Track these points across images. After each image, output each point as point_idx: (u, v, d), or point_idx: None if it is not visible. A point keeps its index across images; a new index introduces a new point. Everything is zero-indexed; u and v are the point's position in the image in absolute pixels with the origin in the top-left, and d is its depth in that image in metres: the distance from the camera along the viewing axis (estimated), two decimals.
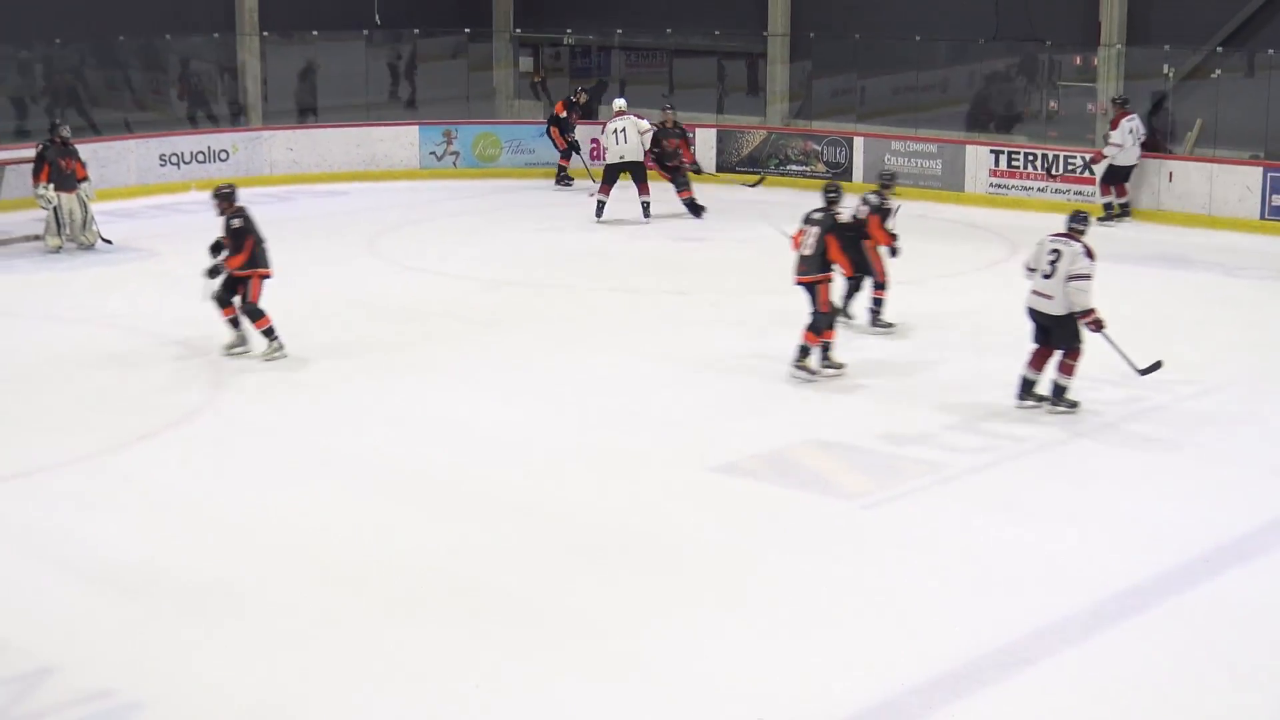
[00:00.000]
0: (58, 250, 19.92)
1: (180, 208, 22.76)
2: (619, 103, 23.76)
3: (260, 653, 8.96)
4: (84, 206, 20.07)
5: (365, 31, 29.02)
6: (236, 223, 14.56)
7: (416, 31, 29.95)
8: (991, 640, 9.11)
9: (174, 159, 25.22)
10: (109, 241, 20.21)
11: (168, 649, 8.99)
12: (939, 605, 9.67)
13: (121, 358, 15.44)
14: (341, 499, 11.49)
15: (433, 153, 27.07)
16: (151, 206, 21.46)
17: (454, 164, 27.11)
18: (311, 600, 9.66)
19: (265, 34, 28.20)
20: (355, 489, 11.69)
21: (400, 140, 27.02)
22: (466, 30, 30.37)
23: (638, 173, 22.64)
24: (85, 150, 21.22)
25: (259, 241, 14.80)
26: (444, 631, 9.23)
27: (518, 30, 31.16)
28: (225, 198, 14.84)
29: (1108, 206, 22.66)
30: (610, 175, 22.73)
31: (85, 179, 20.19)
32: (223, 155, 25.60)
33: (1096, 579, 9.95)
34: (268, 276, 14.73)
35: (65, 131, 20.16)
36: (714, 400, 14.01)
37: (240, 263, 14.58)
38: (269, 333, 14.77)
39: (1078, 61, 25.78)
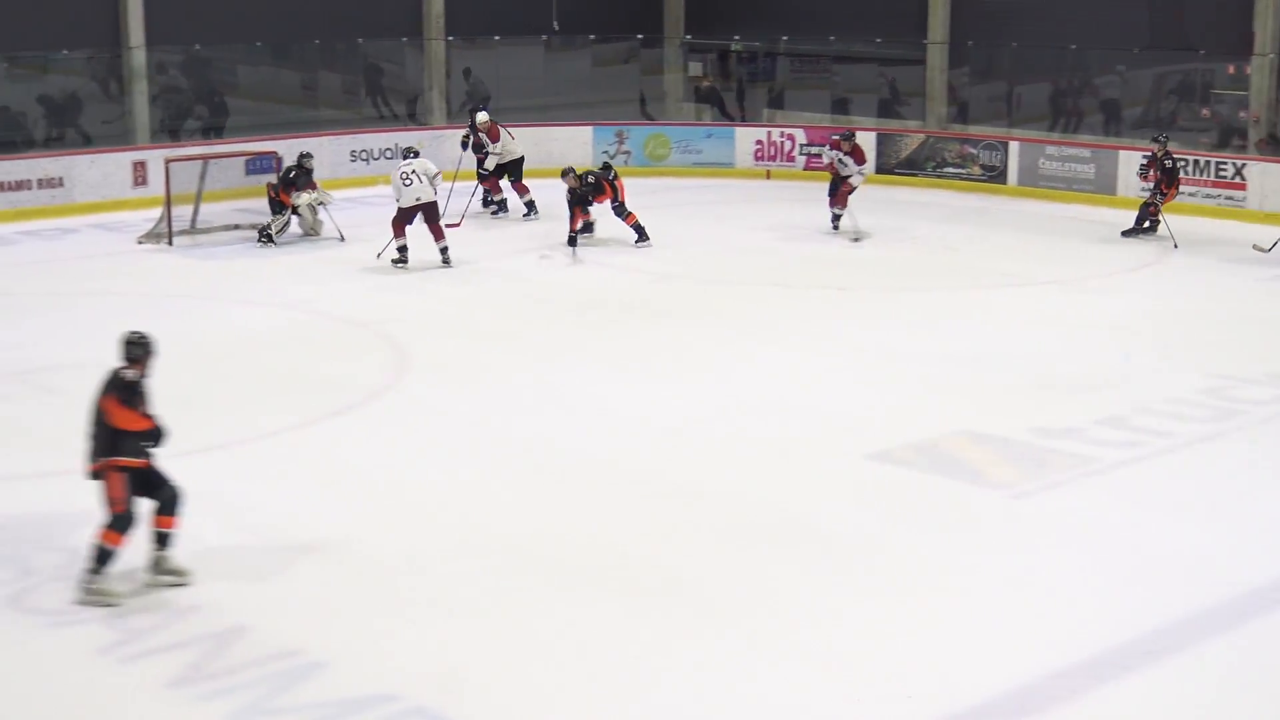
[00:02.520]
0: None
1: (367, 201, 23.06)
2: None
3: (437, 621, 9.10)
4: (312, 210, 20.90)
5: (544, 37, 29.22)
6: None
7: (592, 37, 30.12)
8: (1136, 629, 9.00)
9: (363, 155, 25.63)
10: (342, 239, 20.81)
11: (352, 614, 9.17)
12: (1085, 594, 9.56)
13: (311, 340, 15.78)
14: (516, 479, 11.61)
15: (605, 151, 27.13)
16: (342, 199, 21.76)
17: (625, 162, 27.14)
18: (487, 574, 9.79)
19: (450, 39, 28.53)
20: (529, 471, 11.80)
21: (575, 140, 27.13)
22: (639, 36, 30.51)
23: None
24: (280, 146, 21.86)
25: None
26: (609, 608, 9.30)
27: (688, 36, 31.14)
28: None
29: None
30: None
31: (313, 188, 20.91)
32: (411, 152, 25.88)
33: (1242, 573, 9.79)
34: None
35: (309, 163, 20.88)
36: (870, 391, 13.97)
37: None
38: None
39: (1231, 71, 25.21)
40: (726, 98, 30.22)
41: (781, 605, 9.39)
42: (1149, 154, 21.52)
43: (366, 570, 9.84)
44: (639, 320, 16.67)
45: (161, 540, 9.39)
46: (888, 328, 16.18)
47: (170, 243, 20.36)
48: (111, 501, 9.14)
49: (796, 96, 29.84)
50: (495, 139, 22.88)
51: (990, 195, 25.14)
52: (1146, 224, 21.22)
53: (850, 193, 21.45)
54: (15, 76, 24.78)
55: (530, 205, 22.90)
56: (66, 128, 24.88)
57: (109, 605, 9.02)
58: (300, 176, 20.63)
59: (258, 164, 22.22)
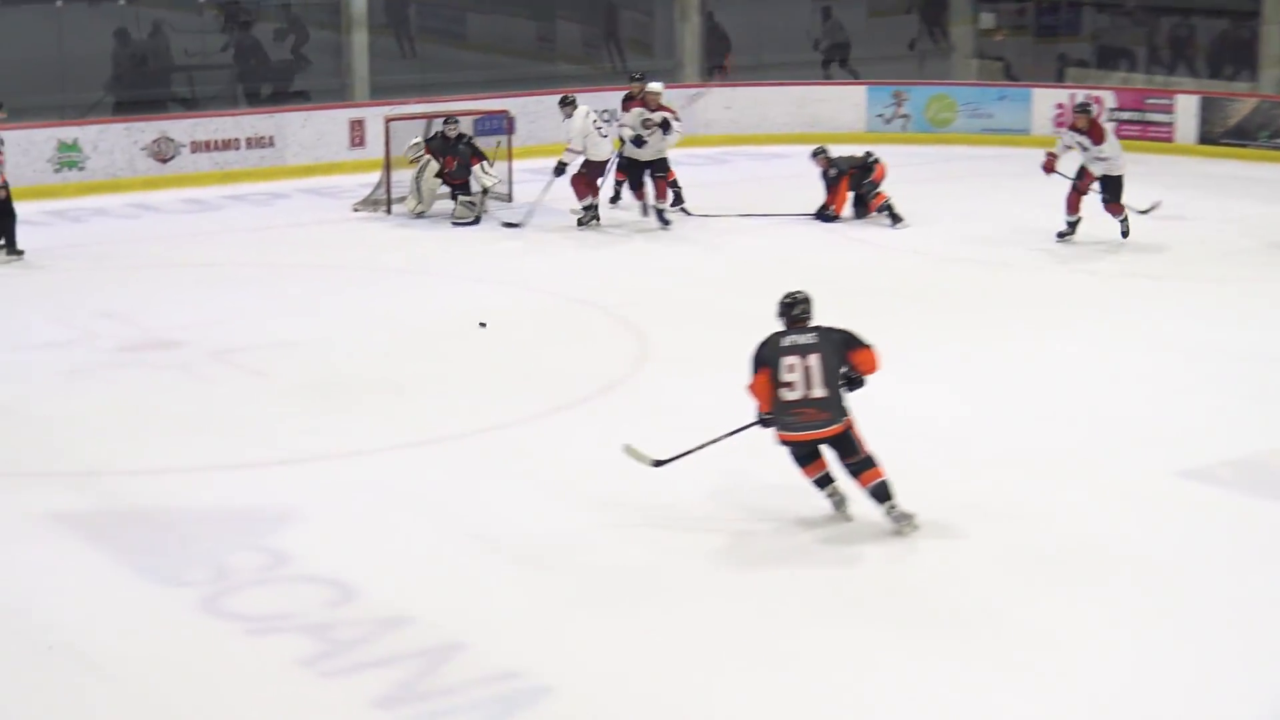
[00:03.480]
0: (419, 215, 20.62)
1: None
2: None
3: (675, 643, 9.09)
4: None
5: None
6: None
7: None
8: None
9: (608, 115, 25.75)
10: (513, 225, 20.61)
11: (581, 632, 9.19)
12: None
13: (540, 323, 15.91)
14: (765, 486, 11.56)
15: (880, 115, 27.00)
16: (524, 169, 21.95)
17: (903, 128, 26.98)
18: (732, 592, 9.76)
19: None
20: (782, 476, 11.74)
21: (845, 101, 27.03)
22: None
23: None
24: (513, 105, 22.21)
25: None
26: (862, 630, 9.21)
27: None
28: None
29: None
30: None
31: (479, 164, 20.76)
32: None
33: None
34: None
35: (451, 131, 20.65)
36: (1183, 396, 13.62)
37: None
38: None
39: None
40: (1024, 54, 29.80)
41: (1066, 637, 9.16)
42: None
43: (594, 584, 9.88)
44: (916, 308, 16.43)
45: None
46: (1205, 323, 15.76)
47: (389, 211, 20.72)
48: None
49: (1106, 53, 29.25)
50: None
51: None
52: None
53: (1089, 188, 19.57)
54: (228, 27, 25.51)
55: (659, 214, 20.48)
56: (277, 81, 25.49)
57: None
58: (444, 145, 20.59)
59: (487, 124, 22.36)
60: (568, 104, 20.50)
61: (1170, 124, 26.09)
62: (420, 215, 20.09)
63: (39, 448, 12.15)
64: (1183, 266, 18.50)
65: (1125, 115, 26.11)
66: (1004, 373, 14.26)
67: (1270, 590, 9.86)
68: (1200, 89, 26.80)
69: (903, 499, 10.37)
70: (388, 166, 21.06)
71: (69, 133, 22.15)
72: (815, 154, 20.78)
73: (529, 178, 21.43)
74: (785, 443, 10.51)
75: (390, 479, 11.55)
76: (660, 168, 19.90)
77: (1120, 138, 23.82)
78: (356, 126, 23.67)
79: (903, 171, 23.19)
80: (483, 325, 11.37)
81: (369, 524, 10.66)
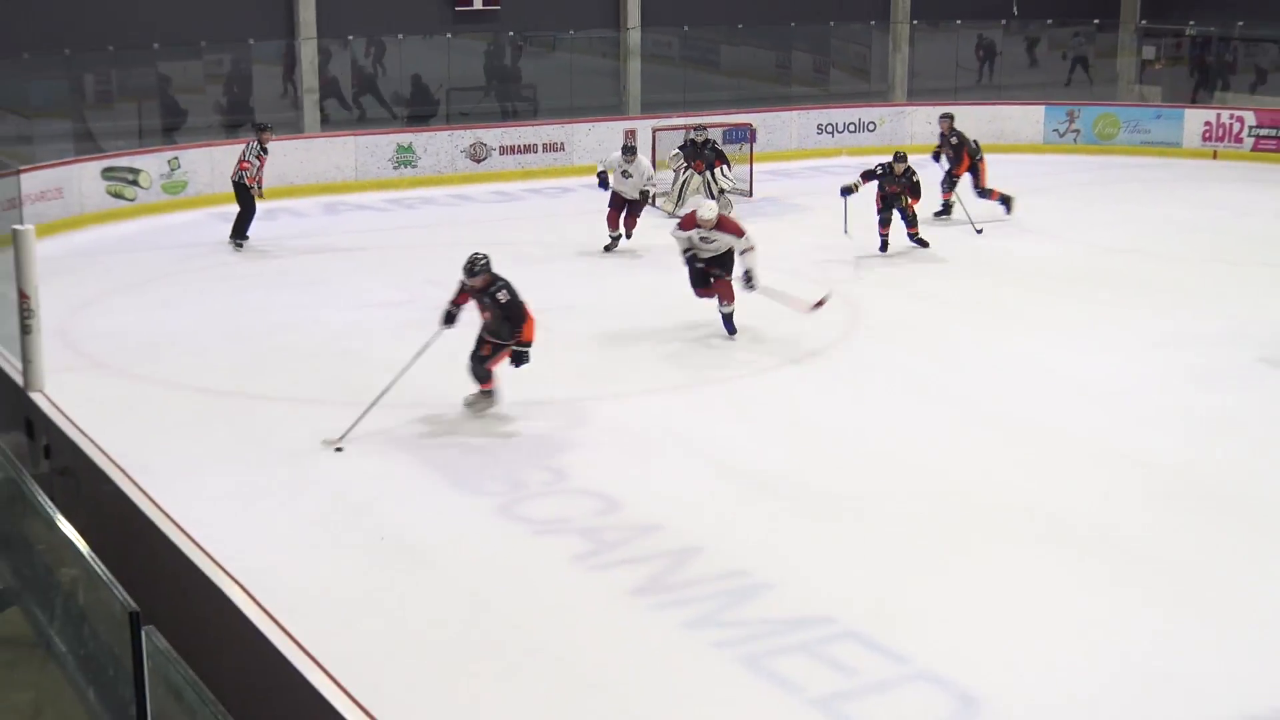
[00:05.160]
0: (671, 215, 20.20)
1: (830, 169, 23.11)
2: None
3: (873, 554, 9.17)
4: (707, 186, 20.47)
5: (1004, 21, 28.71)
6: (503, 296, 11.21)
7: (1049, 21, 29.40)
8: None
9: (829, 128, 25.73)
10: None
11: (797, 542, 9.33)
12: None
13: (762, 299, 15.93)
14: (956, 432, 11.52)
15: (1056, 130, 26.50)
16: (808, 168, 21.96)
17: (1074, 140, 26.45)
18: (922, 515, 9.79)
19: (915, 22, 28.35)
20: (969, 425, 11.69)
21: (1027, 118, 26.56)
22: (1096, 21, 29.63)
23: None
24: (755, 119, 22.11)
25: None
26: (1038, 558, 9.17)
27: (1143, 21, 30.05)
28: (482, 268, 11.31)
29: None
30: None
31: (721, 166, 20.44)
32: (870, 126, 25.93)
33: None
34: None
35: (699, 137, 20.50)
36: None
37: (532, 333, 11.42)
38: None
39: None
40: (1179, 81, 28.95)
41: (1216, 573, 9.00)
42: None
43: (811, 504, 9.98)
44: (1083, 290, 16.13)
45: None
46: None
47: (654, 204, 20.86)
48: None
49: (1248, 79, 28.32)
50: None
51: None
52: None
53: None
54: (529, 54, 25.87)
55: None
56: (570, 99, 25.79)
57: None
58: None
59: (734, 134, 22.46)
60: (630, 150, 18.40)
61: None
62: (672, 215, 20.10)
63: (379, 385, 12.52)
64: None
65: (1263, 132, 25.34)
66: (1157, 343, 13.86)
67: None
68: None
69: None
70: (653, 167, 21.22)
71: (405, 138, 22.77)
72: (943, 117, 20.17)
73: (767, 178, 21.46)
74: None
75: (649, 417, 11.74)
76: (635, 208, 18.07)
77: (1259, 150, 23.18)
78: (630, 135, 23.84)
79: (1073, 176, 22.80)
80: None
81: (632, 452, 10.87)
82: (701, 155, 20.33)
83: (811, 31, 27.97)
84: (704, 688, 7.53)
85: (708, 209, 13.68)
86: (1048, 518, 9.76)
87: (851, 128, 25.74)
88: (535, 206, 21.26)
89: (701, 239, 13.50)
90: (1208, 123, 25.95)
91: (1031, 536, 9.45)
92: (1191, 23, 28.90)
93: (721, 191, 20.06)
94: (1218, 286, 16.46)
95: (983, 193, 19.66)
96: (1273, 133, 25.40)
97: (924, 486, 10.29)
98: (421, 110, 24.67)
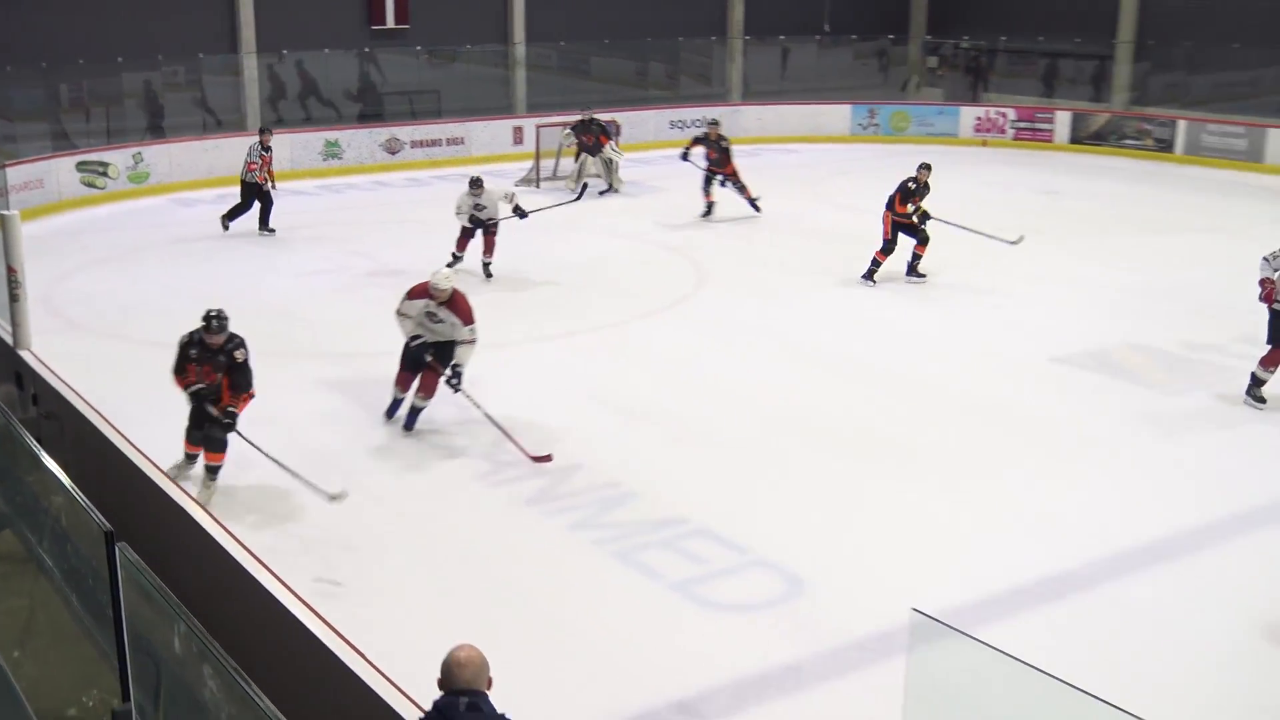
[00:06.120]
0: (572, 190, 19.92)
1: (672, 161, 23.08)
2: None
3: (722, 467, 9.23)
4: (608, 164, 20.49)
5: (818, 37, 28.82)
6: (241, 354, 8.36)
7: (854, 37, 29.56)
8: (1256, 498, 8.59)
9: (679, 124, 25.61)
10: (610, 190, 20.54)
11: (658, 459, 9.35)
12: (1211, 468, 9.20)
13: (636, 260, 15.92)
14: (782, 367, 11.60)
15: (860, 124, 26.68)
16: (663, 157, 21.88)
17: (875, 132, 26.66)
18: (762, 436, 9.87)
19: (747, 38, 28.34)
20: (798, 363, 11.77)
21: (837, 114, 26.71)
22: (891, 36, 29.89)
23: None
24: (619, 116, 21.91)
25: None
26: (853, 465, 9.32)
27: (928, 36, 30.35)
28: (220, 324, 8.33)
29: None
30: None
31: (607, 144, 20.52)
32: (713, 122, 25.85)
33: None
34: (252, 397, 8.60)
35: (585, 116, 20.46)
36: (1059, 308, 13.51)
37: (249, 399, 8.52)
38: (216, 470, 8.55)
39: None
40: (956, 83, 29.30)
41: (981, 466, 9.30)
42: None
43: (670, 428, 10.00)
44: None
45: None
46: (1075, 263, 15.53)
47: (538, 186, 20.72)
48: None
49: (1009, 83, 28.75)
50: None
51: (1161, 162, 23.86)
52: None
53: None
54: (434, 64, 25.44)
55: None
56: (469, 101, 25.44)
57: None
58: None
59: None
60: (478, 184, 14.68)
61: (1052, 130, 25.72)
62: (573, 192, 19.86)
63: (314, 338, 12.32)
64: (1056, 223, 18.16)
65: (1022, 124, 25.80)
66: (950, 296, 14.15)
67: (1110, 431, 9.92)
68: (1071, 107, 26.30)
69: None
70: (538, 157, 21.12)
71: (332, 135, 22.30)
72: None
73: (629, 165, 21.32)
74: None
75: (535, 359, 11.67)
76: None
77: (1019, 138, 23.54)
78: (518, 131, 23.66)
79: (874, 161, 22.99)
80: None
81: (521, 388, 10.78)
82: (590, 130, 20.33)
83: (664, 45, 27.83)
84: (587, 577, 7.55)
85: (443, 277, 9.70)
86: (858, 433, 9.89)
87: (697, 123, 25.64)
88: (441, 191, 20.83)
89: (429, 315, 9.71)
90: (978, 118, 26.39)
91: (846, 450, 9.57)
92: (966, 37, 29.27)
93: (610, 162, 20.15)
94: (992, 246, 16.69)
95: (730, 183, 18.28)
96: (1029, 125, 25.91)
97: (760, 411, 10.36)
98: (348, 111, 24.18)
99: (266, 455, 8.28)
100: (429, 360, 9.69)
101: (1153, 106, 25.77)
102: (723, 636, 6.85)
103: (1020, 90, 28.02)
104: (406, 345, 9.84)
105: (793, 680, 6.45)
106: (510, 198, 14.83)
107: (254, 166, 16.78)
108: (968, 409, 10.46)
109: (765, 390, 10.90)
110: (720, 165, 18.00)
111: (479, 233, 14.64)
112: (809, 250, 16.36)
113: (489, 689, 3.98)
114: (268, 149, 16.98)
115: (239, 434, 8.31)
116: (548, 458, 9.09)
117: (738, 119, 26.10)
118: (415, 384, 9.85)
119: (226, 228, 17.07)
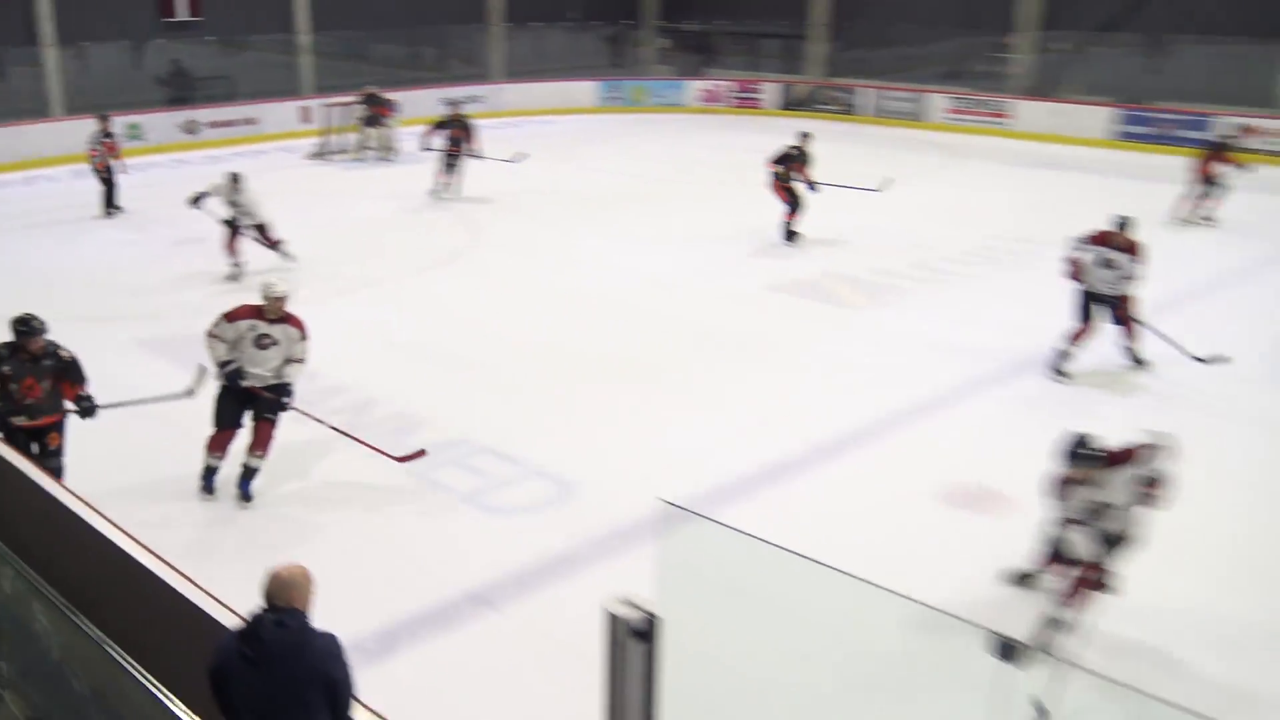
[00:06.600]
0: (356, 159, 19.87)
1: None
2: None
3: (499, 396, 9.18)
4: (384, 138, 20.18)
5: (565, 22, 28.64)
6: (67, 353, 6.67)
7: (599, 22, 29.49)
8: (931, 390, 9.08)
9: (449, 101, 24.95)
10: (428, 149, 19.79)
11: (444, 389, 9.25)
12: (896, 370, 9.67)
13: (416, 221, 15.58)
14: (550, 310, 11.57)
15: (605, 96, 26.71)
16: (407, 133, 21.44)
17: (618, 104, 26.73)
18: (532, 369, 9.83)
19: (508, 24, 27.89)
20: (560, 304, 11.77)
21: (586, 89, 26.66)
22: (630, 21, 29.96)
23: None
24: (397, 95, 21.28)
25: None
26: (613, 386, 9.41)
27: (661, 21, 30.53)
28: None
29: None
30: None
31: (389, 116, 20.20)
32: (479, 99, 25.39)
33: (985, 350, 9.83)
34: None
35: (365, 93, 20.14)
36: (769, 248, 13.86)
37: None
38: None
39: (1006, 41, 24.74)
40: (684, 61, 29.60)
41: (712, 379, 9.53)
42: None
43: (452, 364, 9.91)
44: (631, 205, 16.45)
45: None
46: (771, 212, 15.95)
47: (324, 159, 20.04)
48: None
49: (728, 60, 29.22)
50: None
51: (850, 123, 24.73)
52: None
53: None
54: (227, 53, 24.14)
55: None
56: (260, 85, 24.28)
57: None
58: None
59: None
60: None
61: (762, 99, 26.30)
62: (356, 158, 19.30)
63: (128, 301, 11.67)
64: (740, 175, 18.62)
65: (739, 95, 26.34)
66: (686, 236, 14.32)
67: (819, 343, 10.23)
68: (777, 79, 26.95)
69: None
70: (327, 132, 20.41)
71: (134, 118, 20.94)
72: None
73: (406, 137, 20.77)
74: None
75: (332, 310, 11.33)
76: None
77: (737, 106, 23.96)
78: (305, 110, 22.72)
79: (618, 128, 23.05)
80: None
81: (319, 336, 10.48)
82: (376, 102, 20.14)
83: (434, 31, 27.15)
84: (389, 494, 7.43)
85: (277, 288, 7.18)
86: (610, 358, 10.01)
87: (465, 100, 25.19)
88: (238, 165, 19.92)
89: (258, 339, 7.11)
90: (703, 90, 26.76)
91: (600, 374, 9.68)
92: (694, 22, 29.60)
93: (386, 135, 19.75)
94: (720, 198, 17.07)
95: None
96: (744, 95, 26.44)
97: (529, 347, 10.36)
98: (148, 97, 22.69)
99: (118, 404, 7.32)
100: (260, 391, 7.13)
101: (842, 78, 26.67)
102: (507, 536, 6.90)
103: (736, 66, 28.53)
104: (222, 395, 7.20)
105: (567, 568, 6.56)
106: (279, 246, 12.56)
107: (94, 153, 15.66)
108: (700, 334, 10.70)
109: (532, 329, 10.90)
110: (464, 143, 16.60)
111: (245, 235, 12.42)
112: (567, 208, 16.35)
113: (307, 607, 3.59)
114: (109, 135, 15.85)
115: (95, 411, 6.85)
116: (420, 454, 7.32)
117: (501, 96, 25.78)
118: (245, 439, 7.28)
119: (115, 212, 15.73)
